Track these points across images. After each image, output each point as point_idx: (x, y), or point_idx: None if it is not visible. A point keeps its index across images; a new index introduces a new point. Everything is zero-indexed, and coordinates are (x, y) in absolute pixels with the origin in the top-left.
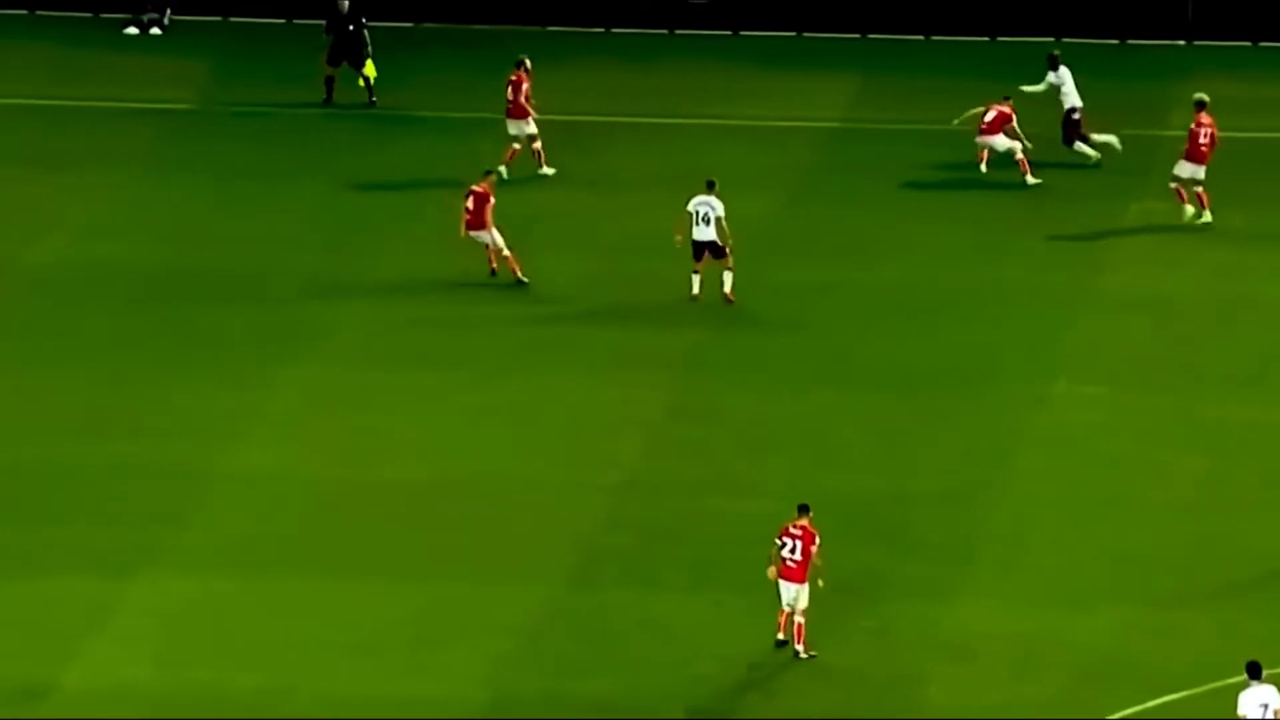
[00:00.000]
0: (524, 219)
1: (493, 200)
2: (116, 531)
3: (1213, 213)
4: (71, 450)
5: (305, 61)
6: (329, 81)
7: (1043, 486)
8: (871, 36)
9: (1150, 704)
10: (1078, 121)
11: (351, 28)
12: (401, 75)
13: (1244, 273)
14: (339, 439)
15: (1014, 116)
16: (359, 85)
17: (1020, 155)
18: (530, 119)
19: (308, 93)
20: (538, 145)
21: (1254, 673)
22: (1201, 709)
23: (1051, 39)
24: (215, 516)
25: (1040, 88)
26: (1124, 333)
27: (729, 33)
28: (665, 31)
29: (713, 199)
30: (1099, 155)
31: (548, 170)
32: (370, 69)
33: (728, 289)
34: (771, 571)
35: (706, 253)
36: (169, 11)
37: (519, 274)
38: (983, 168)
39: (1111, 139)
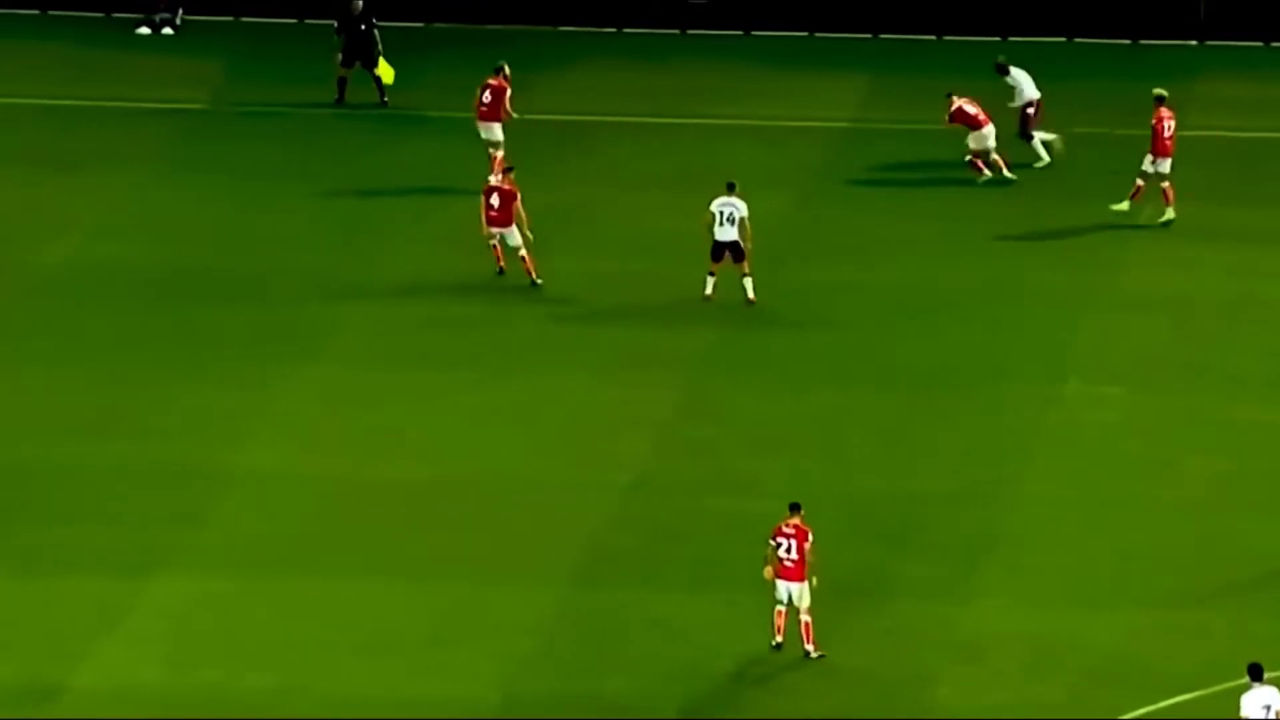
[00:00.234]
0: (536, 219)
1: (519, 197)
2: (125, 532)
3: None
4: (80, 450)
5: (317, 62)
6: (341, 82)
7: (1054, 487)
8: (883, 36)
9: (1161, 704)
10: (1029, 116)
11: (363, 28)
12: (412, 75)
13: (1256, 273)
14: (348, 439)
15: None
16: (373, 86)
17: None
18: (501, 126)
19: (319, 93)
20: (500, 154)
21: (1256, 674)
22: (1213, 709)
23: (1063, 39)
24: (224, 517)
25: (1015, 105)
26: (1136, 333)
27: (740, 33)
28: (676, 31)
29: (736, 199)
30: (1049, 159)
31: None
32: (385, 70)
33: (750, 294)
34: (768, 571)
35: (727, 253)
36: (181, 11)
37: (534, 275)
38: (996, 172)
39: (1053, 137)
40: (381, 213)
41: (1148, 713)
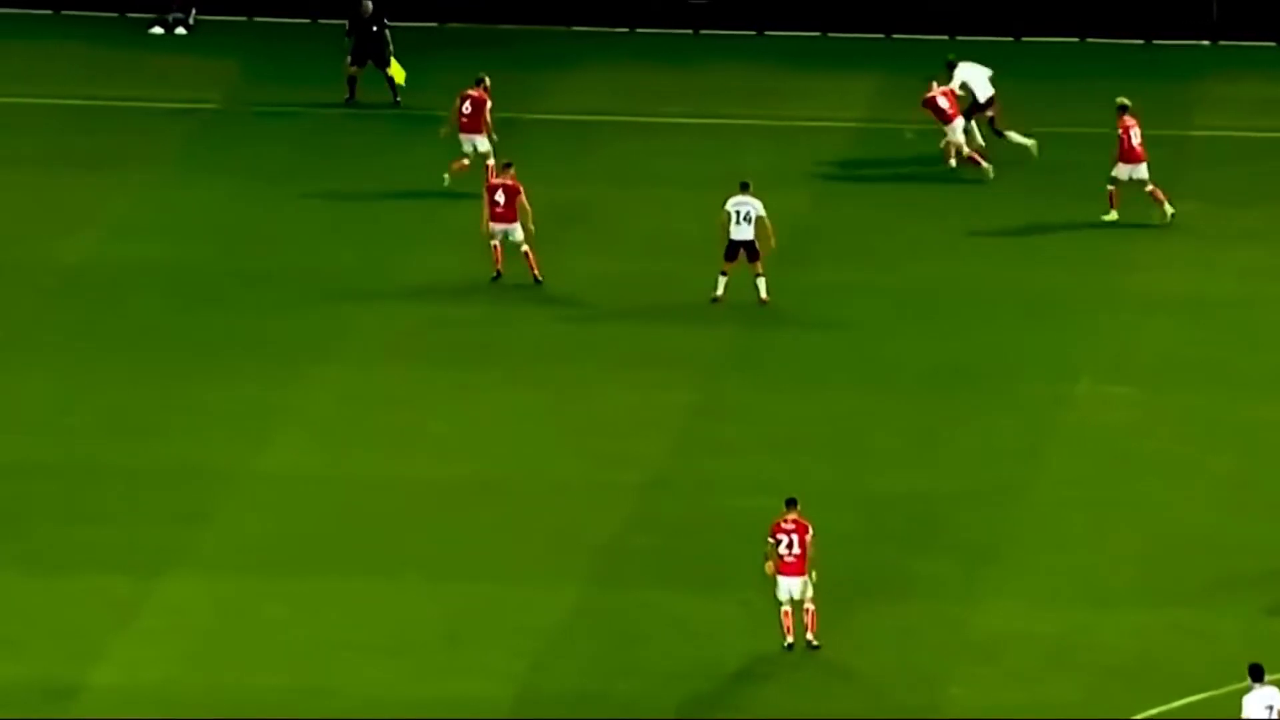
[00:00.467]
0: (549, 219)
1: (523, 192)
2: (140, 531)
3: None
4: (94, 449)
5: (329, 61)
6: (351, 81)
7: (1067, 487)
8: (896, 37)
9: (1175, 704)
10: (991, 114)
11: (374, 29)
12: (425, 75)
13: (1268, 273)
14: (363, 439)
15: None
16: (386, 86)
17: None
18: (486, 135)
19: (333, 93)
20: (491, 162)
21: (1256, 675)
22: (1227, 709)
23: (1076, 39)
24: (239, 516)
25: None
26: (1148, 333)
27: (753, 33)
28: (689, 31)
29: (751, 199)
30: (1033, 143)
31: (446, 179)
32: (397, 70)
33: (764, 294)
34: (769, 567)
35: (741, 252)
36: (194, 11)
37: (537, 272)
38: (952, 163)
39: (1019, 139)
40: (395, 212)
41: (1161, 712)
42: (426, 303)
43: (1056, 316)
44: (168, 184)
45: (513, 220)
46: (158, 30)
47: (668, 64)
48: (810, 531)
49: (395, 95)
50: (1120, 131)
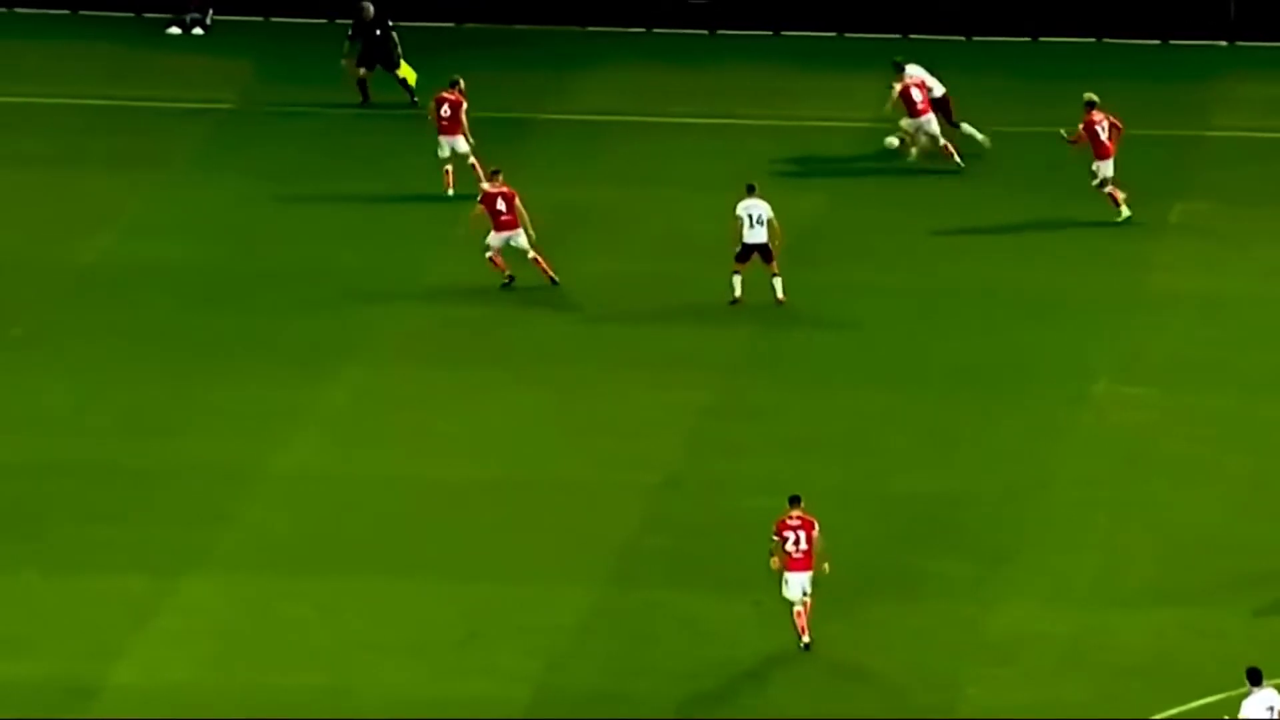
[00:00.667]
0: (564, 219)
1: (518, 196)
2: (164, 530)
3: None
4: (113, 449)
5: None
6: (361, 84)
7: (1084, 487)
8: (913, 37)
9: (1192, 705)
10: (948, 108)
11: (378, 31)
12: (442, 76)
13: None
14: (382, 439)
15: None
16: (399, 88)
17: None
18: (464, 137)
19: (350, 93)
20: (449, 167)
21: (1255, 679)
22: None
23: (1093, 39)
24: (262, 515)
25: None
26: (1166, 333)
27: (770, 33)
28: (705, 32)
29: (759, 201)
30: (986, 140)
31: (449, 192)
32: (408, 72)
33: (780, 294)
34: (775, 562)
35: (755, 255)
36: (211, 12)
37: (552, 273)
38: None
39: (973, 133)
40: (409, 213)
41: (1178, 713)
42: (441, 303)
43: (1071, 317)
44: (184, 184)
45: (516, 226)
46: (175, 30)
47: (681, 64)
48: (816, 527)
49: (412, 97)
50: (1084, 126)
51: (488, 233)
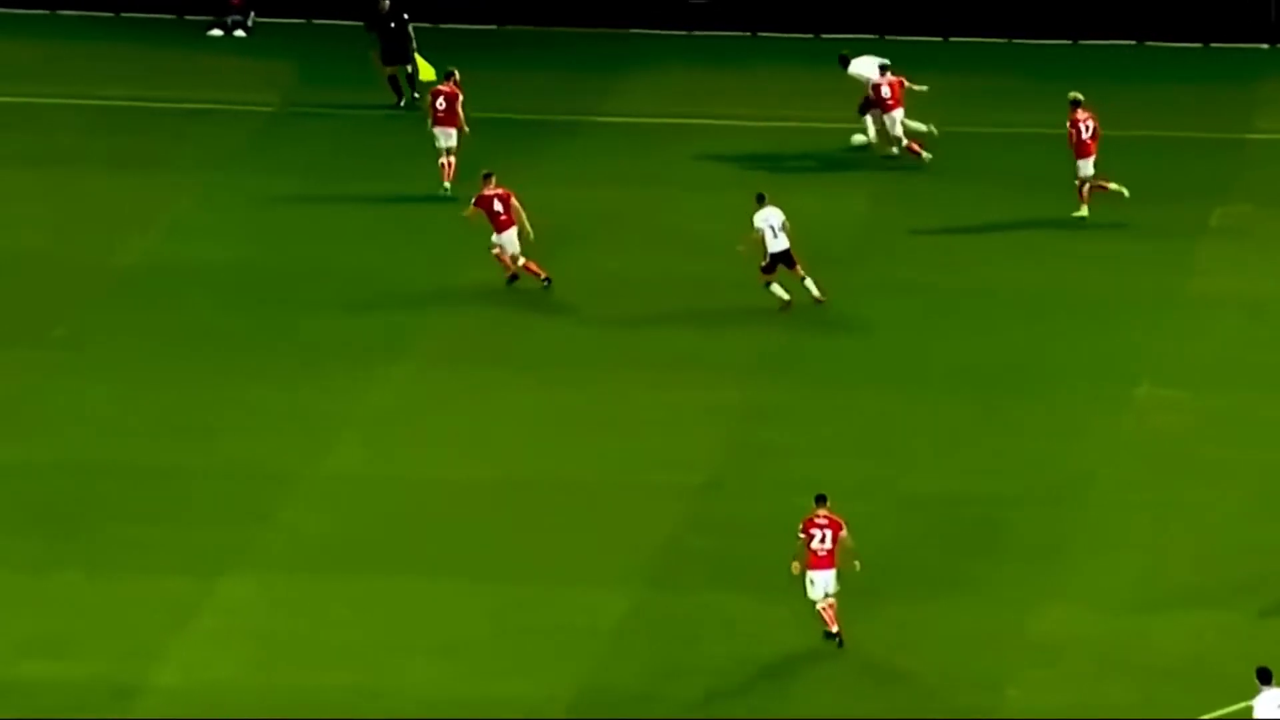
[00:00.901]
0: (596, 221)
1: (514, 196)
2: (199, 531)
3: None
4: (154, 450)
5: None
6: (393, 81)
7: (1125, 489)
8: (953, 40)
9: (1232, 707)
10: (870, 100)
11: (393, 26)
12: (486, 79)
13: None
14: (421, 440)
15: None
16: (420, 80)
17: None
18: (459, 130)
19: (389, 94)
20: (443, 160)
21: (1265, 678)
22: None
23: (1134, 41)
24: (303, 516)
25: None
26: (1207, 336)
27: (810, 36)
28: (748, 34)
29: (774, 209)
30: (869, 140)
31: (448, 186)
32: (425, 68)
33: (816, 293)
34: (795, 566)
35: (780, 264)
36: (253, 14)
37: (543, 274)
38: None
39: (865, 137)
40: (453, 213)
41: (1219, 715)
42: (482, 304)
43: (1111, 320)
44: (224, 185)
45: (512, 225)
46: (216, 33)
47: (726, 66)
48: (845, 528)
49: (414, 91)
50: (1070, 126)
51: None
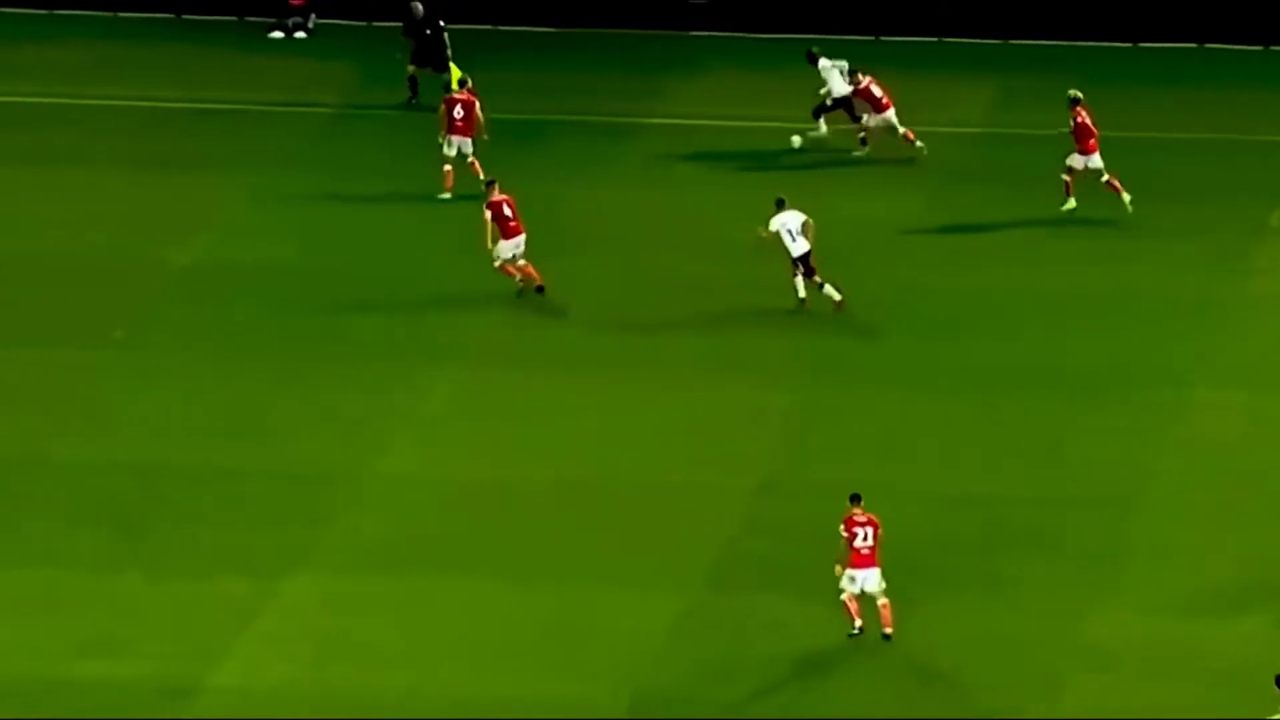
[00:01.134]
0: (643, 223)
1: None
2: (257, 533)
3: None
4: (211, 452)
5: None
6: (412, 81)
7: (1181, 493)
8: (1012, 42)
9: None
10: (827, 107)
11: (428, 31)
12: (534, 81)
13: None
14: (477, 441)
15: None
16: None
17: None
18: (475, 138)
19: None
20: (449, 167)
21: None
22: None
23: (1194, 44)
24: (362, 517)
25: (822, 93)
26: (1264, 338)
27: (871, 38)
28: (803, 36)
29: (793, 213)
30: (802, 142)
31: (447, 194)
32: (455, 72)
33: (837, 297)
34: (839, 569)
35: (800, 266)
36: (314, 16)
37: (539, 279)
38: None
39: (822, 133)
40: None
41: None
42: (536, 307)
43: (1171, 322)
44: (282, 187)
45: (522, 231)
46: (277, 35)
47: (784, 68)
48: (879, 526)
49: (414, 94)
50: (1079, 122)
51: (496, 244)
